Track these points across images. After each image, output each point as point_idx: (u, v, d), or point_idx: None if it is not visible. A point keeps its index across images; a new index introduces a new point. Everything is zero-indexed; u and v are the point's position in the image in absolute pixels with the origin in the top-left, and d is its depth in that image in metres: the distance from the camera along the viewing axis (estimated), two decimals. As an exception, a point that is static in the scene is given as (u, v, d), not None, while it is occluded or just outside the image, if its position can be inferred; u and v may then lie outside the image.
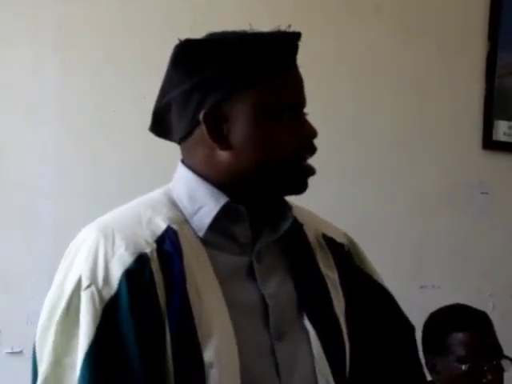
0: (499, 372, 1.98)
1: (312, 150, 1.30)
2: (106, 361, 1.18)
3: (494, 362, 1.97)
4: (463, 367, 1.95)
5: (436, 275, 2.76)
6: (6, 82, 2.44)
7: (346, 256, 1.48)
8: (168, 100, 1.31)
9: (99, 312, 1.19)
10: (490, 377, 1.94)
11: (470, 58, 2.80)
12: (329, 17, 2.65)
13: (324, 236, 1.45)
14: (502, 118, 2.83)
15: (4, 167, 2.43)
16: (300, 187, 1.31)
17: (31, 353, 1.26)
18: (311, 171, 1.31)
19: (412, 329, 1.54)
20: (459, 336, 2.00)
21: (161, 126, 1.35)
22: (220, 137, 1.27)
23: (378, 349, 1.49)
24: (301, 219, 1.41)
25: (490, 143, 2.82)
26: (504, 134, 2.83)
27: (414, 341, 1.56)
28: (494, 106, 2.82)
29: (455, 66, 2.79)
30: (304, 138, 1.28)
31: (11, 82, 2.44)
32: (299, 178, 1.30)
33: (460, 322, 2.04)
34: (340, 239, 1.48)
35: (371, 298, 1.50)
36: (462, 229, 2.81)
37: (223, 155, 1.27)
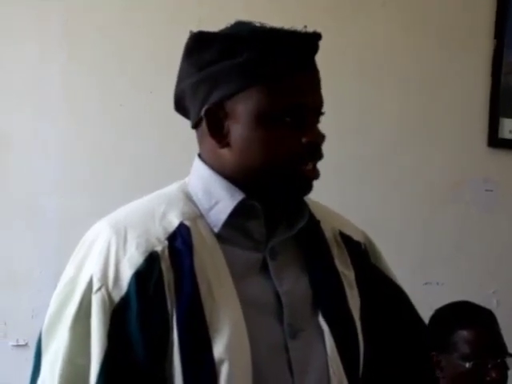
0: (503, 370, 1.98)
1: (314, 156, 1.27)
2: (120, 370, 1.19)
3: (499, 360, 1.97)
4: (467, 365, 1.96)
5: (440, 272, 2.76)
6: (12, 77, 2.44)
7: (362, 254, 1.47)
8: (182, 88, 1.32)
9: (109, 315, 1.20)
10: (493, 375, 1.95)
11: (476, 56, 2.79)
12: (335, 13, 2.64)
13: (341, 233, 1.44)
14: (508, 116, 2.82)
15: (9, 162, 2.44)
16: (298, 191, 1.30)
17: (36, 341, 1.27)
18: (309, 176, 1.28)
19: (425, 328, 1.55)
20: (464, 333, 2.00)
21: (181, 108, 1.36)
22: (219, 134, 1.27)
23: (391, 348, 1.49)
24: (318, 216, 1.41)
25: (495, 141, 2.82)
26: (510, 131, 2.83)
27: (427, 341, 1.57)
28: (499, 104, 2.81)
29: (461, 64, 2.78)
30: (305, 144, 1.25)
31: (17, 76, 2.44)
32: (296, 183, 1.28)
33: (465, 319, 2.04)
34: (357, 237, 1.48)
35: (386, 297, 1.50)
36: (466, 226, 2.81)
37: (224, 152, 1.28)
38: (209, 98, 1.27)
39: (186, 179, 1.37)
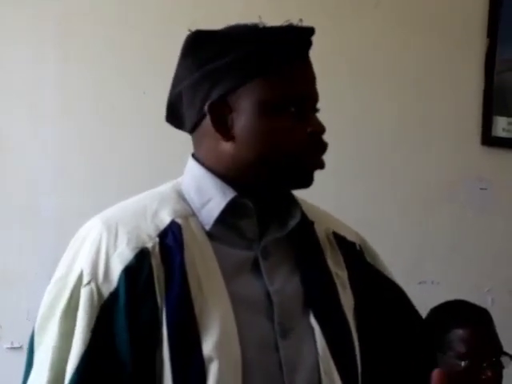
0: (498, 369, 1.98)
1: (319, 145, 1.30)
2: (99, 366, 1.19)
3: (494, 359, 1.97)
4: (462, 364, 1.95)
5: (435, 271, 2.76)
6: (6, 79, 2.44)
7: (356, 255, 1.47)
8: (179, 90, 1.33)
9: (96, 310, 1.20)
10: (489, 373, 1.94)
11: (470, 55, 2.80)
12: (328, 12, 2.65)
13: (335, 234, 1.45)
14: (502, 114, 2.83)
15: (5, 163, 2.44)
16: (302, 182, 1.31)
17: (29, 338, 1.28)
18: (317, 165, 1.30)
19: (426, 326, 1.55)
20: (459, 333, 1.99)
21: (175, 116, 1.37)
22: (224, 128, 1.28)
23: (391, 346, 1.48)
24: (312, 217, 1.41)
25: (489, 139, 2.82)
26: (503, 129, 2.83)
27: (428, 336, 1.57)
28: (493, 102, 2.81)
29: (455, 63, 2.79)
30: (310, 134, 1.28)
31: (12, 78, 2.44)
32: (301, 173, 1.30)
33: (461, 318, 2.03)
34: (351, 238, 1.48)
35: (383, 295, 1.50)
36: (460, 224, 2.81)
37: (226, 146, 1.28)
38: (211, 94, 1.28)
39: (180, 179, 1.38)
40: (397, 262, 2.67)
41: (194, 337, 1.20)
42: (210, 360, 1.20)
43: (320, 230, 1.43)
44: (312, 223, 1.42)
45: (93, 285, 1.21)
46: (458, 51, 2.78)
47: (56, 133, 2.47)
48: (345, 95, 2.67)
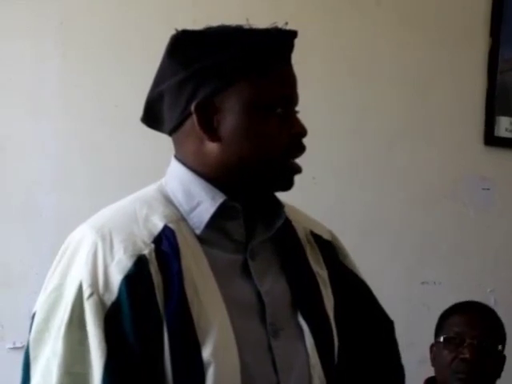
0: (482, 354, 1.94)
1: (301, 148, 1.30)
2: (122, 373, 1.18)
3: (475, 342, 1.94)
4: (441, 339, 1.96)
5: (437, 271, 2.75)
6: (7, 77, 2.45)
7: (332, 253, 1.49)
8: (161, 90, 1.31)
9: (102, 320, 1.19)
10: (466, 354, 1.92)
11: (472, 54, 2.79)
12: (330, 11, 2.64)
13: (312, 233, 1.46)
14: (504, 114, 2.82)
15: (5, 161, 2.44)
16: (285, 185, 1.32)
17: (24, 352, 1.25)
18: (297, 170, 1.31)
19: (390, 323, 1.56)
20: (454, 318, 2.01)
21: (152, 116, 1.36)
22: (210, 128, 1.27)
23: (361, 344, 1.50)
24: (289, 216, 1.41)
25: (491, 139, 2.81)
26: (506, 129, 2.83)
27: (393, 334, 1.57)
28: (495, 102, 2.81)
29: (457, 62, 2.78)
30: (294, 136, 1.28)
31: (13, 76, 2.46)
32: (285, 176, 1.30)
33: (461, 308, 2.04)
34: (326, 236, 1.50)
35: (355, 294, 1.52)
36: (463, 224, 2.80)
37: (212, 147, 1.27)
38: (197, 94, 1.27)
39: (163, 181, 1.36)
40: (399, 262, 2.68)
41: (194, 343, 1.20)
42: (210, 364, 1.20)
43: (299, 229, 1.44)
44: (290, 221, 1.42)
45: (96, 296, 1.19)
46: (460, 51, 2.78)
47: (57, 132, 2.48)
48: (346, 94, 2.66)
